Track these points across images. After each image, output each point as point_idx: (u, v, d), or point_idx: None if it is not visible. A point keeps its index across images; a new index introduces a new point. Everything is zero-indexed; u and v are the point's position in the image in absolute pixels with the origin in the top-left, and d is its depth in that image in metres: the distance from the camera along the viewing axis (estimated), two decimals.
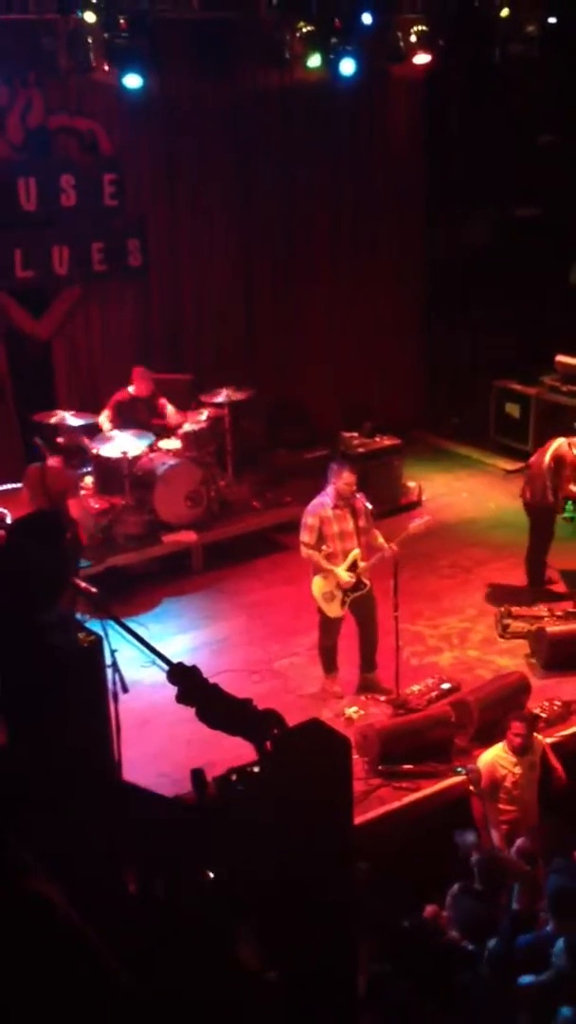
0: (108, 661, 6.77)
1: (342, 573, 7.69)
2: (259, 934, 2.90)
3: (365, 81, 11.55)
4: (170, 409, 10.30)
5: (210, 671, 3.28)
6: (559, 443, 9.19)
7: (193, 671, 3.09)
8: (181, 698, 3.05)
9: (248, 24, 10.80)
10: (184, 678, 3.06)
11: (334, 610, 7.78)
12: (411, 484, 11.49)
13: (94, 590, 5.35)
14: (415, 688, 7.92)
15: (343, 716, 7.67)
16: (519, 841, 6.50)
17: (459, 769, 6.92)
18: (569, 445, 9.13)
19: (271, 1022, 2.87)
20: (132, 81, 9.94)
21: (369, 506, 7.90)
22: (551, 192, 13.35)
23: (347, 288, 12.57)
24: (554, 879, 5.48)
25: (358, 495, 7.81)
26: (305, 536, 7.70)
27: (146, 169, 11.02)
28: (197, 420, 10.28)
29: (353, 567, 7.72)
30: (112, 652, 6.89)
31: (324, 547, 7.70)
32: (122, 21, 9.74)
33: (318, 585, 7.75)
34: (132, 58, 9.80)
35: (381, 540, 7.77)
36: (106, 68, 9.89)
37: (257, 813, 2.83)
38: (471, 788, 6.71)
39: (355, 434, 11.41)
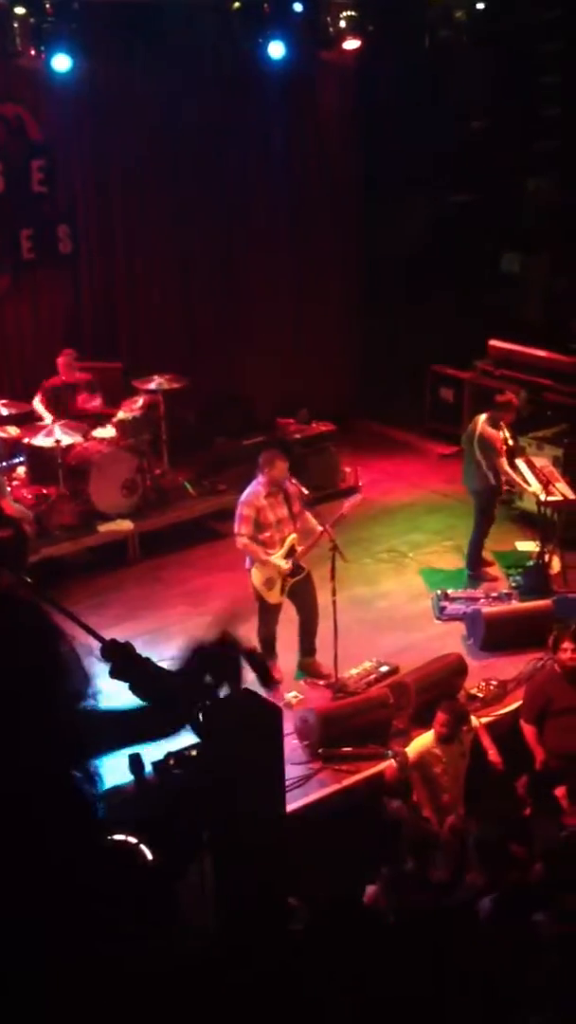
0: None
1: (280, 561, 7.69)
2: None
3: (297, 68, 11.52)
4: (95, 403, 10.21)
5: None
6: (481, 424, 9.24)
7: (126, 647, 3.08)
8: (114, 673, 3.04)
9: (177, 8, 10.70)
10: (116, 654, 3.05)
11: (274, 596, 7.78)
12: (347, 469, 11.52)
13: (28, 580, 5.31)
14: (353, 671, 7.96)
15: (283, 701, 7.66)
16: (449, 819, 6.57)
17: (388, 753, 6.96)
18: (489, 422, 9.18)
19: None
20: (61, 63, 9.81)
21: (305, 491, 7.90)
22: (484, 178, 13.46)
23: (283, 275, 12.55)
24: (476, 835, 5.57)
25: (291, 480, 7.80)
26: (242, 528, 7.66)
27: (76, 154, 10.88)
28: (132, 408, 10.20)
29: (290, 553, 7.72)
30: None
31: (261, 535, 7.68)
32: (48, 6, 9.61)
33: (257, 574, 7.74)
34: (59, 41, 9.67)
35: (315, 523, 7.78)
36: (32, 53, 9.75)
37: (194, 780, 2.84)
38: (398, 771, 6.75)
39: (291, 420, 11.41)
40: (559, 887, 5.16)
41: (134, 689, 3.09)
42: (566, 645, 7.10)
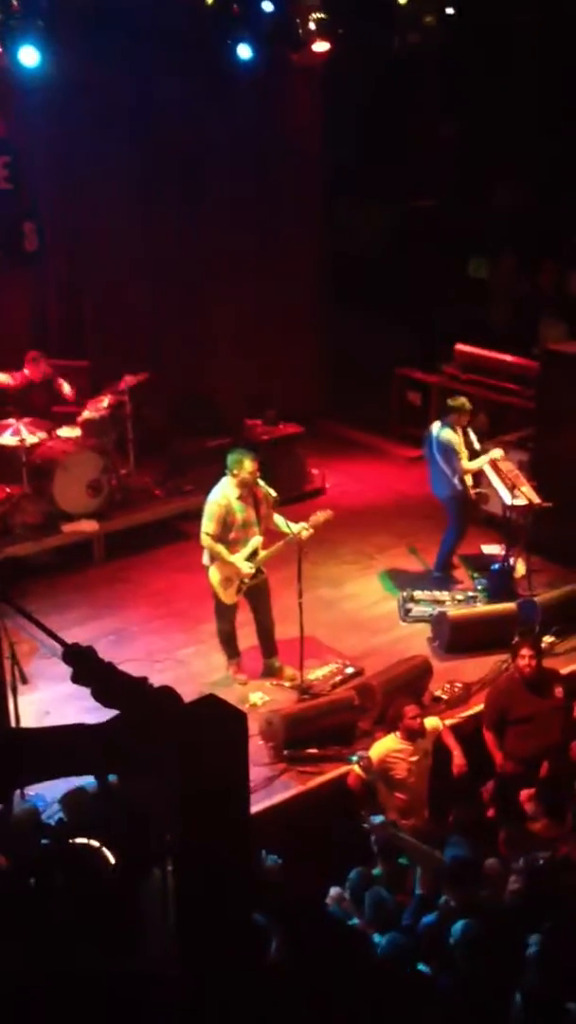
0: (7, 653, 6.69)
1: (243, 563, 7.66)
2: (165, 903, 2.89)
3: (266, 70, 11.50)
4: (67, 388, 10.13)
5: (112, 660, 3.24)
6: (437, 429, 9.26)
7: (88, 652, 3.07)
8: (76, 678, 3.01)
9: (147, 5, 10.63)
10: (79, 659, 3.03)
11: (229, 596, 7.75)
12: (314, 472, 11.52)
13: None
14: (319, 673, 7.93)
15: (248, 703, 7.63)
16: (410, 822, 6.56)
17: (352, 757, 6.94)
18: (445, 426, 9.19)
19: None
20: (28, 57, 9.69)
21: (273, 493, 7.87)
22: (452, 183, 13.53)
23: (250, 276, 12.51)
24: (449, 851, 5.55)
25: (258, 483, 7.77)
26: (211, 527, 7.61)
27: (42, 151, 10.80)
28: (98, 407, 10.13)
29: (253, 555, 7.70)
30: (11, 644, 6.82)
31: (228, 535, 7.64)
32: (14, 2, 9.52)
33: (216, 573, 7.70)
34: (27, 36, 9.58)
35: (283, 525, 7.74)
36: None
37: (156, 786, 2.82)
38: (363, 775, 6.73)
39: (258, 422, 11.38)
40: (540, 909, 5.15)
41: (96, 694, 3.06)
42: (524, 652, 7.13)
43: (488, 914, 5.03)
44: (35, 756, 3.05)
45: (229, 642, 8.01)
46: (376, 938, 5.04)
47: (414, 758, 6.79)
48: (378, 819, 6.29)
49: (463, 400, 9.35)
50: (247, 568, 7.65)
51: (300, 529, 7.64)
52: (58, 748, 3.03)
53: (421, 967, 4.76)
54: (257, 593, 7.85)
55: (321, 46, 11.60)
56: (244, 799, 2.98)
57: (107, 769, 3.09)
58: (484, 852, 5.90)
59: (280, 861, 5.49)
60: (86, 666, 3.04)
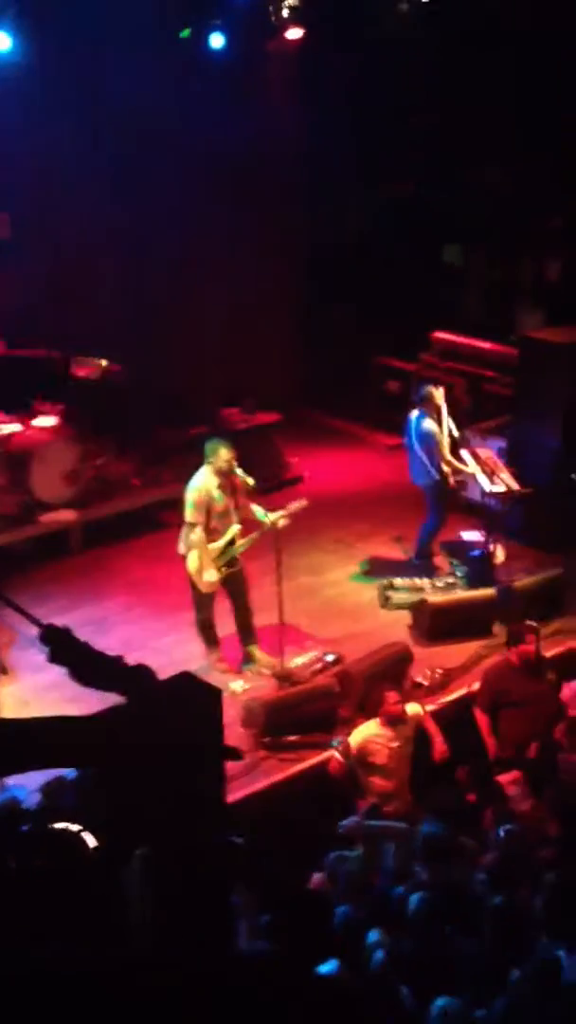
0: None
1: (219, 551, 7.63)
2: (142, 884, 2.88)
3: (241, 57, 11.44)
4: None
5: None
6: (415, 419, 9.24)
7: (64, 632, 3.07)
8: (52, 659, 3.02)
9: None
10: (55, 639, 3.03)
11: (206, 585, 7.73)
12: (292, 460, 11.49)
13: None
14: (299, 660, 7.92)
15: (228, 691, 7.61)
16: (392, 807, 6.57)
17: (333, 743, 6.95)
18: (423, 416, 9.16)
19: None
20: (1, 42, 9.61)
21: (250, 480, 7.84)
22: (426, 170, 13.49)
23: (227, 263, 12.46)
24: (423, 828, 5.56)
25: (236, 471, 7.74)
26: (192, 515, 7.58)
27: (15, 139, 10.67)
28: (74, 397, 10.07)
29: (231, 543, 7.67)
30: None
31: (208, 524, 7.62)
32: None
33: (193, 561, 7.67)
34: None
35: (259, 514, 7.71)
36: None
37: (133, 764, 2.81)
38: (341, 760, 6.73)
39: (236, 410, 11.35)
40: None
41: (73, 674, 3.07)
42: (530, 637, 7.16)
43: (453, 890, 5.06)
44: (15, 746, 3.03)
45: (208, 631, 7.99)
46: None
47: (395, 744, 6.79)
48: (348, 821, 6.29)
49: (429, 390, 9.34)
50: (223, 556, 7.63)
51: (277, 517, 7.61)
52: (39, 739, 3.01)
53: (373, 934, 4.75)
54: (234, 581, 7.83)
55: (295, 33, 11.56)
56: (220, 773, 2.97)
57: (89, 763, 3.08)
58: (464, 834, 5.90)
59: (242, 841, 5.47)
60: (62, 646, 3.05)
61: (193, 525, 7.59)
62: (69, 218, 11.22)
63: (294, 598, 8.18)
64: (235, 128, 12.09)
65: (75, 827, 2.92)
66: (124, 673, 3.00)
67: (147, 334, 11.88)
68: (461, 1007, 4.13)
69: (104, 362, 10.35)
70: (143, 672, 3.00)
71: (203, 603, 7.89)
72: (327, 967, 4.49)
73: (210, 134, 11.93)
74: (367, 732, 6.82)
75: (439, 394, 9.30)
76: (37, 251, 11.12)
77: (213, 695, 2.93)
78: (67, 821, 2.96)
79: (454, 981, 4.43)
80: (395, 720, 6.79)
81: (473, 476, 9.34)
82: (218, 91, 11.80)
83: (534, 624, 7.39)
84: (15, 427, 9.58)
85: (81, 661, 3.03)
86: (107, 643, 7.95)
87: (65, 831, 2.93)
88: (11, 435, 9.52)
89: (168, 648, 8.24)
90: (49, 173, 10.98)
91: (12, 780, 6.34)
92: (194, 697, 2.90)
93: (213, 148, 12.00)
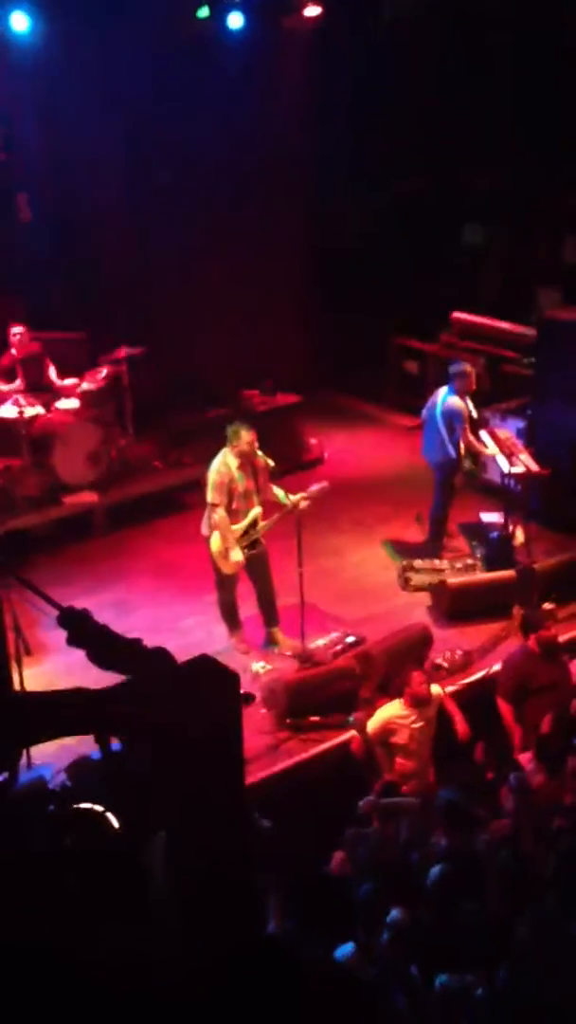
0: (10, 624, 6.73)
1: (241, 533, 7.69)
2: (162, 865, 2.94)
3: (257, 36, 11.40)
4: (52, 372, 10.14)
5: (107, 625, 3.29)
6: (445, 396, 9.18)
7: (82, 615, 3.11)
8: (71, 642, 3.06)
9: None
10: (73, 622, 3.07)
11: (228, 567, 7.79)
12: (312, 441, 11.52)
13: None
14: (320, 642, 7.99)
15: (250, 672, 7.70)
16: (412, 784, 6.64)
17: (348, 720, 7.02)
18: (453, 393, 9.12)
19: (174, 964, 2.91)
20: (19, 23, 9.63)
21: (271, 462, 7.89)
22: (442, 152, 13.42)
23: (245, 246, 12.45)
24: (441, 795, 5.62)
25: (257, 453, 7.79)
26: (215, 497, 7.65)
27: (34, 122, 10.71)
28: (95, 379, 10.14)
29: (253, 525, 7.73)
30: (15, 615, 6.86)
31: (230, 506, 7.68)
32: None
33: (216, 542, 7.74)
34: (16, 1, 9.52)
35: (281, 496, 7.77)
36: None
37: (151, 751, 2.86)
38: (358, 735, 6.80)
39: (255, 392, 11.38)
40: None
41: (91, 656, 3.12)
42: (548, 624, 7.20)
43: (471, 858, 5.14)
44: (35, 718, 3.10)
45: (230, 613, 8.07)
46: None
47: (418, 724, 6.84)
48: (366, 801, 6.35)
49: (466, 366, 9.31)
50: (245, 538, 7.69)
51: (298, 499, 7.67)
52: (56, 710, 3.08)
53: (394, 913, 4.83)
54: (257, 563, 7.90)
55: (312, 10, 11.54)
56: (239, 755, 3.03)
57: (105, 729, 3.14)
58: (484, 810, 5.97)
59: (270, 824, 5.56)
60: (80, 630, 3.09)
61: (215, 506, 7.65)
62: (86, 201, 11.23)
63: (314, 580, 8.23)
64: (251, 106, 12.07)
65: (99, 808, 2.99)
66: (143, 656, 3.05)
67: (166, 317, 11.92)
68: (463, 984, 4.19)
69: (124, 346, 10.38)
70: (162, 655, 3.05)
71: (226, 585, 7.97)
72: (344, 949, 4.58)
73: (226, 112, 11.90)
74: (390, 712, 6.87)
75: (473, 372, 9.26)
76: (55, 233, 11.14)
77: (230, 678, 2.98)
78: (91, 802, 3.03)
79: (466, 953, 4.50)
80: (420, 701, 6.83)
81: (492, 457, 9.36)
82: (234, 69, 11.75)
83: (551, 608, 7.41)
84: (38, 410, 9.65)
85: (99, 644, 3.08)
86: (130, 624, 8.10)
87: (90, 811, 2.99)
88: (35, 418, 9.60)
89: (190, 629, 8.33)
90: (68, 154, 10.99)
91: (38, 760, 6.45)
92: (212, 680, 2.95)
93: (228, 127, 11.97)
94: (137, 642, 3.12)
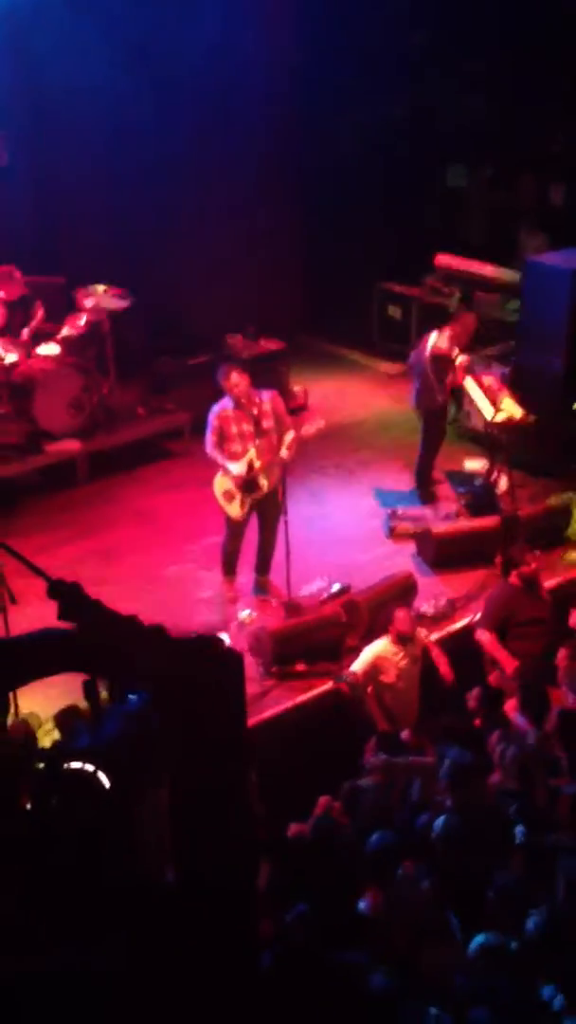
0: None
1: (236, 470, 7.66)
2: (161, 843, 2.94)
3: None
4: (40, 313, 9.98)
5: (99, 580, 3.25)
6: (433, 338, 9.18)
7: (73, 588, 3.00)
8: (62, 616, 2.98)
9: None
10: (65, 595, 2.98)
11: (234, 510, 7.78)
12: (296, 388, 11.43)
13: None
14: (306, 590, 8.00)
15: (236, 620, 7.71)
16: (404, 734, 6.68)
17: (339, 677, 7.05)
18: (443, 338, 9.12)
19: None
20: None
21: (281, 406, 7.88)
22: (425, 91, 13.15)
23: (224, 189, 12.23)
24: (448, 755, 5.68)
25: (265, 396, 7.75)
26: (209, 436, 7.72)
27: (10, 62, 10.43)
28: (76, 325, 9.99)
29: (248, 467, 7.69)
30: None
31: (226, 447, 7.68)
32: None
33: (218, 484, 7.75)
34: None
35: (283, 443, 7.73)
36: None
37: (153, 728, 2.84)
38: (348, 693, 6.85)
39: (239, 337, 11.26)
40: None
41: (82, 630, 3.05)
42: (530, 558, 7.24)
43: (476, 812, 5.18)
44: (16, 660, 3.08)
45: (230, 560, 8.06)
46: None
47: (403, 663, 6.92)
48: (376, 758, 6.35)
49: (462, 312, 9.27)
50: (239, 476, 7.63)
51: (290, 440, 7.71)
52: (35, 651, 3.05)
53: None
54: (265, 510, 7.89)
55: None
56: (241, 742, 3.00)
57: (82, 668, 3.11)
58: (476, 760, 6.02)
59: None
60: (72, 603, 3.00)
61: (210, 446, 7.69)
62: (65, 142, 10.99)
63: (300, 528, 8.20)
64: (231, 47, 11.75)
65: (90, 767, 2.97)
66: (139, 634, 2.98)
67: (146, 262, 11.71)
68: (500, 940, 4.22)
69: (103, 288, 10.20)
70: (159, 633, 2.98)
71: (233, 531, 7.95)
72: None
73: (208, 54, 11.59)
74: (377, 649, 6.95)
75: (474, 324, 9.22)
76: (33, 176, 10.92)
77: (235, 659, 2.94)
78: (82, 760, 3.01)
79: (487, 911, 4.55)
80: (404, 638, 6.91)
81: (476, 404, 9.32)
82: (215, 11, 11.44)
83: (528, 546, 7.45)
84: (17, 356, 9.51)
85: (92, 618, 3.00)
86: (115, 572, 8.11)
87: (81, 770, 2.97)
88: (14, 364, 9.47)
89: (176, 577, 8.32)
90: (45, 96, 10.73)
91: (25, 707, 6.48)
92: (212, 661, 2.90)
93: (210, 69, 11.67)
94: (132, 618, 3.03)
